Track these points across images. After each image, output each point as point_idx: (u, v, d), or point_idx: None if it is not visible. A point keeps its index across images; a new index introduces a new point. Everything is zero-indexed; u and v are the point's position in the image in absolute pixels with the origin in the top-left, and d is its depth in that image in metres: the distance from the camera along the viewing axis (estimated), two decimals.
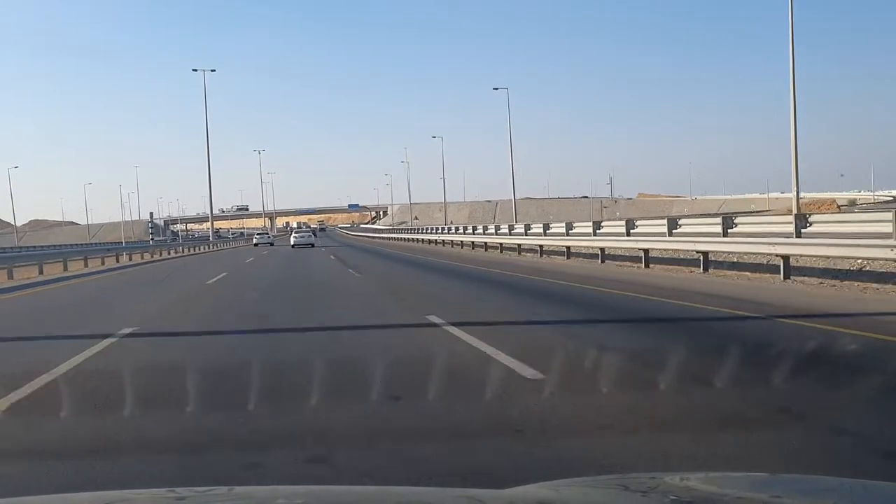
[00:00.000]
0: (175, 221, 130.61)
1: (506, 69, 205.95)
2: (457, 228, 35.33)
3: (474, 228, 30.02)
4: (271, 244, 46.78)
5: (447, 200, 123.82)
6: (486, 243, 25.90)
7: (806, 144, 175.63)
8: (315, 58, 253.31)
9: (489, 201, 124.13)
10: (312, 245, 38.34)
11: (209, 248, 47.99)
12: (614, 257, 15.19)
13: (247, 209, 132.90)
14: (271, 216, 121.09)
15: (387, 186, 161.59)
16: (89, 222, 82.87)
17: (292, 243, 39.29)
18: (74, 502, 1.53)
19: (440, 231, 37.59)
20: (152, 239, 57.90)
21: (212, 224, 60.87)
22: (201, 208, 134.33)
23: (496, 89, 41.29)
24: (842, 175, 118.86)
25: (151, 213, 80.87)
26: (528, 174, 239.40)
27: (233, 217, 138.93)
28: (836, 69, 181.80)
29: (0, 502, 1.47)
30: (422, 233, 42.44)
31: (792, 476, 2.01)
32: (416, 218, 65.59)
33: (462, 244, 29.69)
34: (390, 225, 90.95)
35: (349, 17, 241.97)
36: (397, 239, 48.80)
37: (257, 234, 55.19)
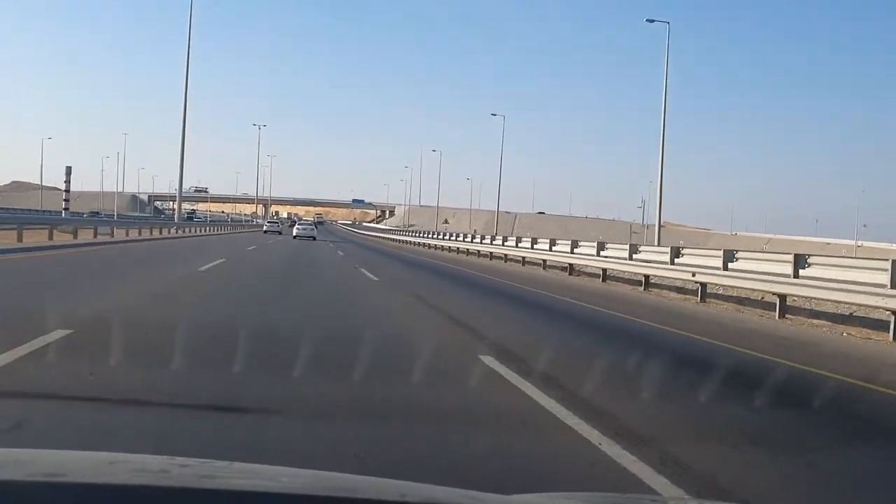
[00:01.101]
0: (163, 198, 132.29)
1: (525, 81, 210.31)
2: (519, 239, 29.47)
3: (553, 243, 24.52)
4: (279, 233, 53.46)
5: (456, 207, 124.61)
6: (524, 257, 25.43)
7: (832, 193, 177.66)
8: (322, 43, 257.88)
9: (507, 212, 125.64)
10: (314, 238, 43.62)
11: (160, 232, 37.04)
12: (618, 279, 16.52)
13: (206, 191, 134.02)
14: (266, 203, 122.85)
15: (401, 182, 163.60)
16: (71, 188, 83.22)
17: (294, 234, 45.28)
18: (76, 459, 1.67)
19: (470, 240, 36.14)
20: (66, 209, 51.29)
21: (179, 204, 53.66)
22: (192, 186, 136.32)
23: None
24: (864, 225, 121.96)
25: (68, 168, 57.74)
26: (548, 190, 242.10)
27: (223, 200, 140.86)
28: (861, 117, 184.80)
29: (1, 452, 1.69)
30: (452, 239, 39.42)
31: None
32: (445, 221, 62.71)
33: (491, 255, 29.92)
34: (398, 226, 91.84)
35: (367, 4, 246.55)
36: (424, 245, 45.04)
37: (268, 222, 63.46)
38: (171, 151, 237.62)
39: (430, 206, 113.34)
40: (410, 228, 70.33)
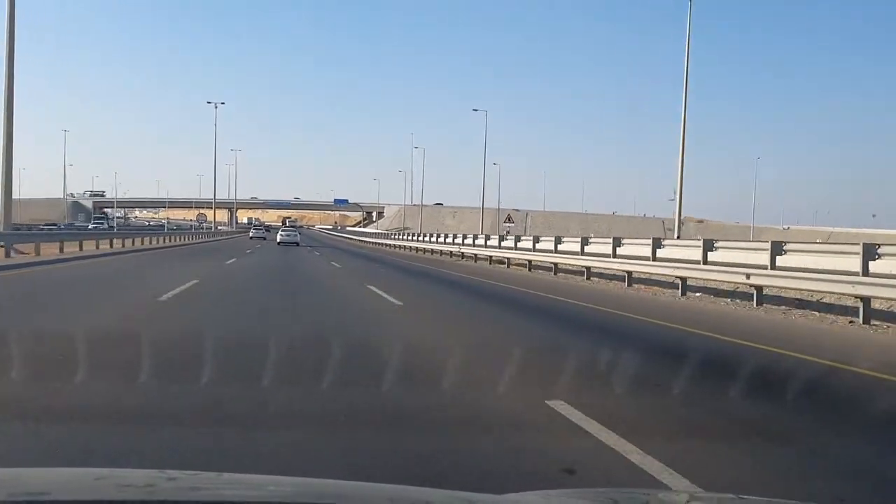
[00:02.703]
0: (111, 204, 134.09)
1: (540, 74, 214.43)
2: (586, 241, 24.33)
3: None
4: (263, 238, 65.67)
5: (461, 206, 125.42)
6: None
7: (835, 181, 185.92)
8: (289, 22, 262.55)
9: (517, 210, 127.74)
10: (297, 244, 51.70)
11: None
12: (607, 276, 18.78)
13: (102, 195, 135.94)
14: (231, 208, 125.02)
15: (387, 179, 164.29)
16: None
17: (278, 241, 53.59)
18: (61, 476, 1.88)
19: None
20: None
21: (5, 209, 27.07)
22: (152, 192, 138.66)
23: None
24: (874, 215, 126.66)
25: None
26: (558, 187, 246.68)
27: (177, 204, 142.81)
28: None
29: None
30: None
31: (783, 501, 2.57)
32: (508, 220, 51.89)
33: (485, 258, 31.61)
34: (390, 229, 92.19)
35: None
36: (449, 254, 39.25)
37: (253, 228, 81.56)
38: (120, 150, 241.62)
39: (426, 206, 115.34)
40: (406, 231, 69.24)
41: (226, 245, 50.16)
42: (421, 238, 49.97)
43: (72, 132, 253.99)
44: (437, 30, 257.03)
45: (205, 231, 77.89)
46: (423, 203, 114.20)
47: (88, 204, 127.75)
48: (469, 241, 37.03)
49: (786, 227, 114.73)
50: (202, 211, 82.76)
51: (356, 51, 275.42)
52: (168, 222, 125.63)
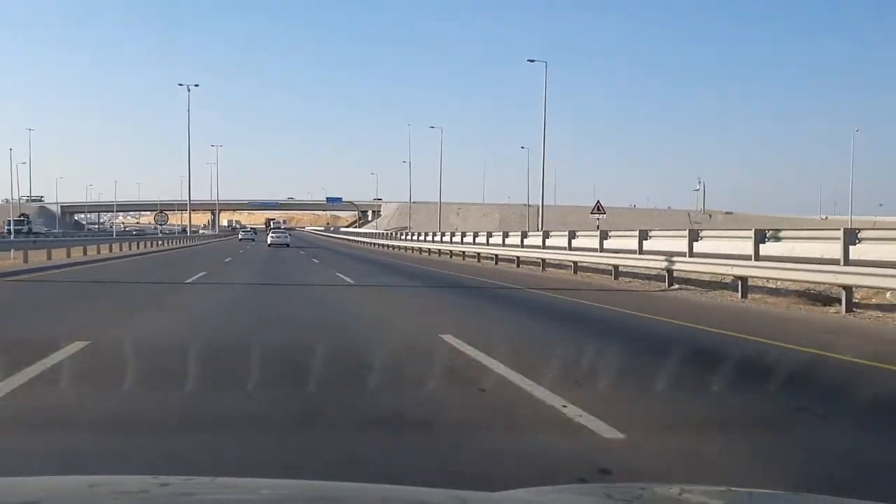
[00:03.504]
0: (80, 208, 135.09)
1: (551, 58, 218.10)
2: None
3: None
4: (252, 240, 74.12)
5: (465, 202, 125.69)
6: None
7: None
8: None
9: (527, 205, 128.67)
10: (287, 245, 57.83)
11: None
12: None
13: (41, 199, 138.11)
14: (213, 210, 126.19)
15: (394, 176, 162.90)
16: None
17: (269, 242, 59.95)
18: (54, 485, 2.03)
19: None
20: None
21: None
22: (125, 196, 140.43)
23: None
24: (881, 205, 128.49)
25: None
26: (571, 181, 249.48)
27: (151, 207, 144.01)
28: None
29: None
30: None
31: (777, 493, 2.87)
32: (598, 209, 36.82)
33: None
34: (391, 228, 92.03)
35: None
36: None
37: (242, 231, 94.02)
38: (78, 151, 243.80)
39: (426, 203, 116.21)
40: (403, 231, 66.53)
41: (196, 257, 37.87)
42: (440, 238, 44.97)
43: (51, 134, 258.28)
44: (436, 29, 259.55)
45: (166, 236, 65.38)
46: (425, 201, 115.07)
47: (56, 209, 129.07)
48: (509, 240, 32.38)
49: (823, 216, 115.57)
50: (165, 210, 76.51)
51: (348, 45, 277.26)
52: (153, 227, 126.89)
